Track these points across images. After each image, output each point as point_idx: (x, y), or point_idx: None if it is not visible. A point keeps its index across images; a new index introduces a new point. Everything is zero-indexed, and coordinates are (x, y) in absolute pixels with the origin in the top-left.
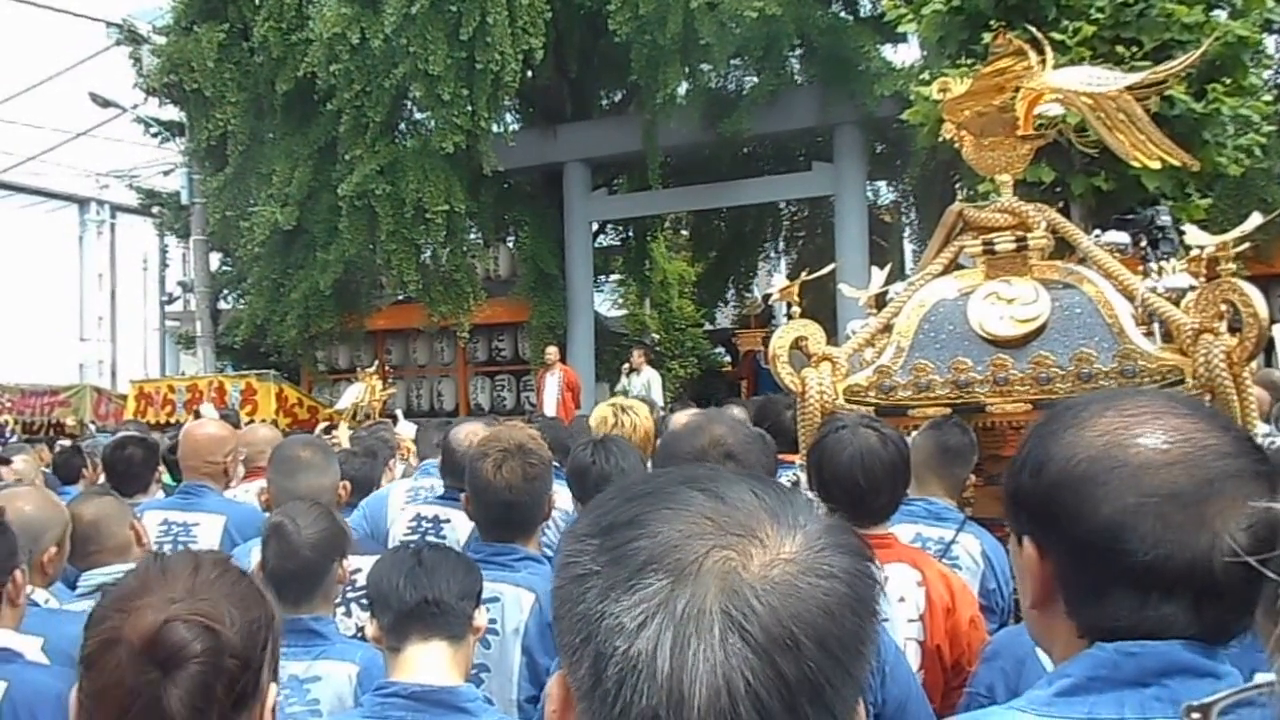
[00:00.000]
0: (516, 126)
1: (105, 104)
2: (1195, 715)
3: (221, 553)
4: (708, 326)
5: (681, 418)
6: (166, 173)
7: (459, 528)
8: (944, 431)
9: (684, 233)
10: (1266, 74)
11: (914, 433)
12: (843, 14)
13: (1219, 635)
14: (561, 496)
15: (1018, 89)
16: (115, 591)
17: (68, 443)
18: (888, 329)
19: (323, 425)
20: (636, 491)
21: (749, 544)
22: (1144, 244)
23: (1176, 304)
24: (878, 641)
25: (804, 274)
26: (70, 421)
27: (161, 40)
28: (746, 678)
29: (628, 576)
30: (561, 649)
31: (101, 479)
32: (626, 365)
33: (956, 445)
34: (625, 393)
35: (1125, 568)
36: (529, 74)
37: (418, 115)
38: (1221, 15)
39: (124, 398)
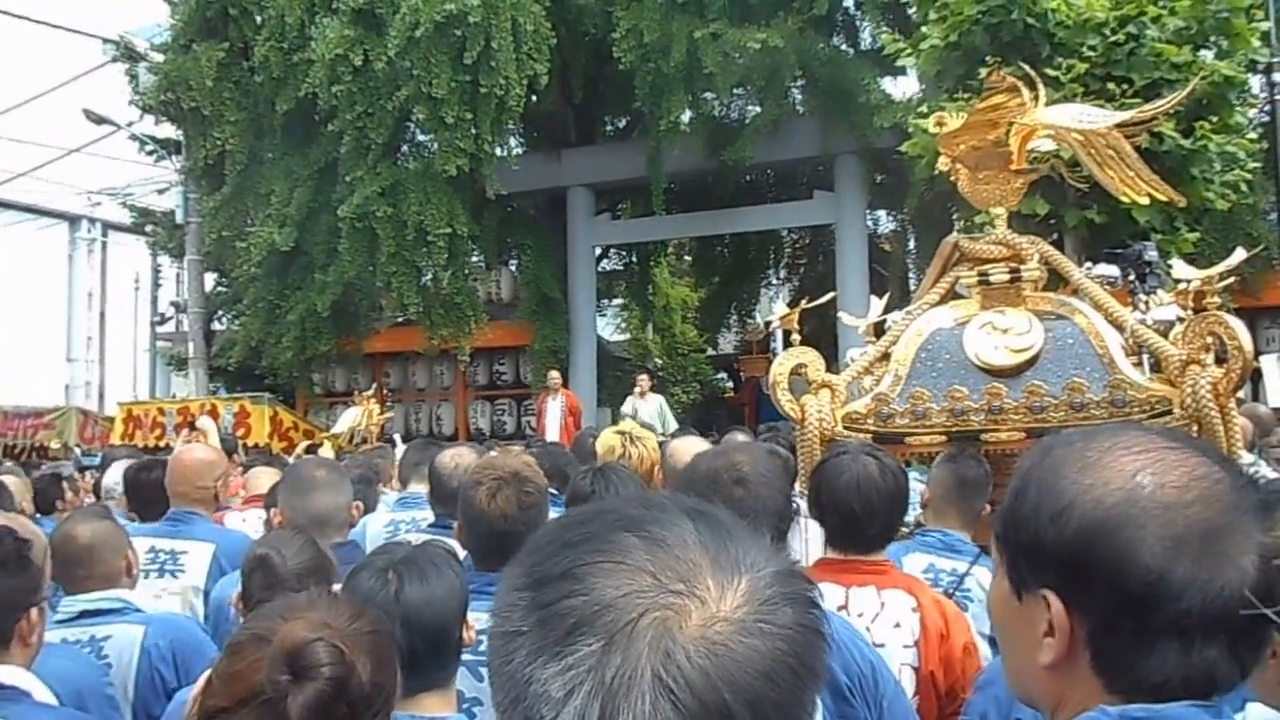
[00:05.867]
0: (520, 150)
1: (99, 121)
2: None
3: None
4: (710, 352)
5: (684, 444)
6: (161, 191)
7: None
8: (960, 464)
9: (687, 258)
10: (1251, 112)
11: (931, 464)
12: (843, 47)
13: (1243, 677)
14: None
15: (1011, 124)
16: (283, 601)
17: (47, 467)
18: (886, 357)
19: (303, 445)
20: (572, 537)
21: (687, 601)
22: (1131, 278)
23: (1165, 336)
24: (817, 701)
25: (803, 302)
26: (54, 445)
27: (159, 58)
28: None
29: (556, 640)
30: (494, 703)
31: (86, 502)
32: (637, 390)
33: (974, 477)
34: (633, 416)
35: (1171, 615)
36: (533, 98)
37: (420, 137)
38: (1208, 55)
39: (111, 420)
